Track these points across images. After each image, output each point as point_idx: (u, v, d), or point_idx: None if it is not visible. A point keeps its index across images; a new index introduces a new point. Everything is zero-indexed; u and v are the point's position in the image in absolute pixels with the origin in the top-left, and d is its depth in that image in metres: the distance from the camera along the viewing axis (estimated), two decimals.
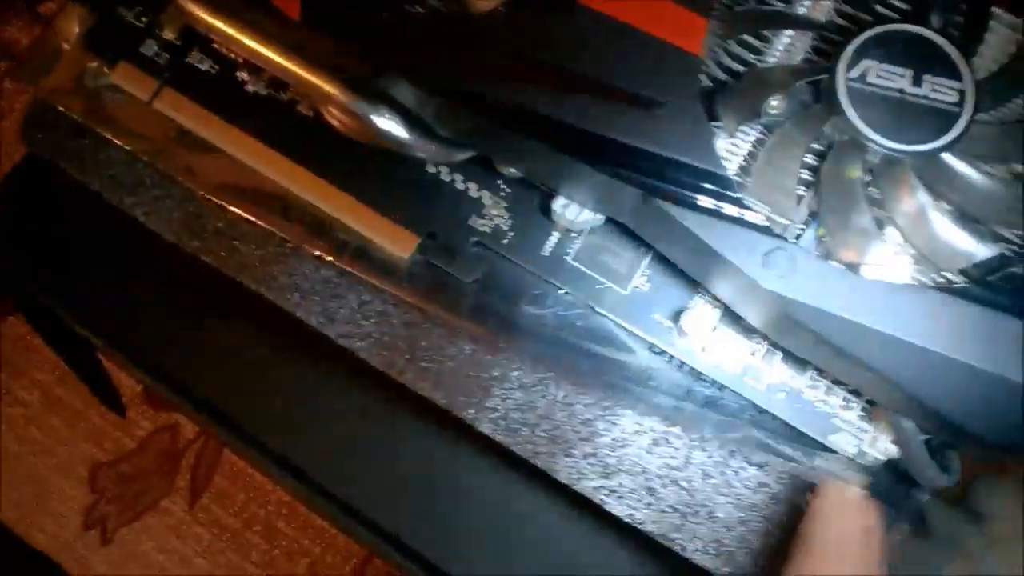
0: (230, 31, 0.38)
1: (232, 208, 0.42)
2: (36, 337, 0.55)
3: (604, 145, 0.34)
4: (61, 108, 0.44)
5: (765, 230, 0.34)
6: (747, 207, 0.34)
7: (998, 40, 0.39)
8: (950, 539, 0.46)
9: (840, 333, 0.33)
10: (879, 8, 0.38)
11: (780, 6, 0.38)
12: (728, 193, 0.34)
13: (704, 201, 0.34)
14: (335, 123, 0.40)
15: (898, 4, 0.38)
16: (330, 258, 0.41)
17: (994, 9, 0.39)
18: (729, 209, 0.34)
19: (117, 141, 0.43)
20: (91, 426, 1.01)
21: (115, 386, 0.70)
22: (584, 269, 0.40)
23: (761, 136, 0.37)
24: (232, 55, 0.43)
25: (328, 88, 0.38)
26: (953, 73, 0.35)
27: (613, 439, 0.41)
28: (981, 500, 0.48)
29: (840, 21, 0.38)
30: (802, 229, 0.36)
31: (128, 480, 1.00)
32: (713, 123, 0.36)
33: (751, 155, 0.37)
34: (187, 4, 0.38)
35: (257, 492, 0.96)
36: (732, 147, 0.37)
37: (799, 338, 0.35)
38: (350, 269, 0.41)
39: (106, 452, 1.01)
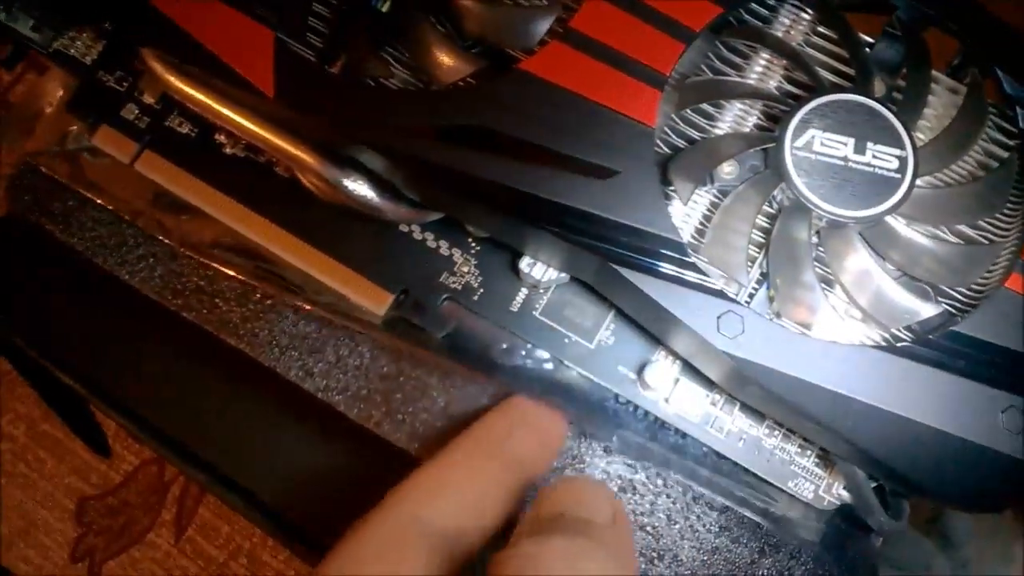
0: (204, 100, 0.40)
1: (212, 266, 0.44)
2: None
3: (564, 213, 0.36)
4: (44, 169, 0.45)
5: (718, 293, 0.36)
6: (701, 271, 0.36)
7: (940, 103, 0.41)
8: (921, 564, 0.48)
9: (790, 390, 0.35)
10: (826, 76, 0.40)
11: (731, 77, 0.40)
12: (683, 258, 0.36)
13: (660, 266, 0.36)
14: (309, 186, 0.42)
15: (844, 70, 0.40)
16: (308, 309, 0.43)
17: (935, 73, 0.41)
18: (684, 274, 0.36)
19: (99, 202, 0.45)
20: (77, 460, 1.02)
21: (100, 427, 0.71)
22: (552, 324, 0.42)
23: (715, 200, 0.39)
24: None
25: (300, 155, 0.40)
26: (894, 140, 0.37)
27: None
28: (950, 526, 0.50)
29: (789, 88, 0.40)
30: (755, 289, 0.38)
31: (115, 513, 1.01)
32: (668, 188, 0.38)
33: (706, 218, 0.39)
34: (164, 76, 0.40)
35: (242, 524, 0.98)
36: (687, 211, 0.39)
37: (752, 394, 0.37)
38: (327, 324, 0.43)
39: (93, 486, 1.02)
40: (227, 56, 0.38)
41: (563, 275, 0.41)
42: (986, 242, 0.39)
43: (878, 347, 0.36)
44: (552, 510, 0.33)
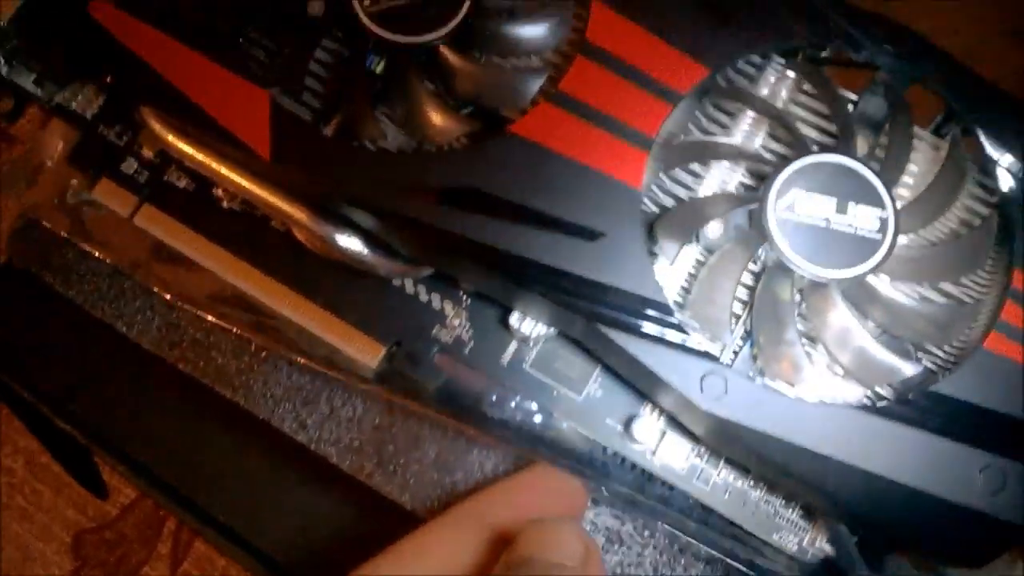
0: (201, 160, 0.41)
1: (208, 318, 0.44)
2: None
3: (552, 274, 0.37)
4: (45, 222, 0.46)
5: (702, 354, 0.37)
6: (685, 331, 0.37)
7: (923, 159, 0.42)
8: None
9: (772, 449, 0.36)
10: (810, 135, 0.41)
11: (717, 138, 0.41)
12: (668, 319, 0.37)
13: (646, 326, 0.37)
14: (303, 240, 0.42)
15: (828, 128, 0.41)
16: (302, 362, 0.44)
17: (918, 130, 0.42)
18: (669, 334, 0.37)
19: (98, 255, 0.45)
20: (75, 493, 1.03)
21: (97, 468, 0.72)
22: (541, 377, 0.43)
23: (700, 258, 0.40)
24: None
25: (294, 213, 0.40)
26: (876, 200, 0.38)
27: None
28: None
29: (774, 146, 0.41)
30: (739, 346, 0.39)
31: (111, 546, 1.01)
32: (654, 247, 0.39)
33: (691, 276, 0.40)
34: (162, 135, 0.41)
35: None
36: (673, 269, 0.39)
37: (736, 451, 0.38)
38: (321, 375, 0.43)
39: (89, 519, 1.03)
40: (224, 118, 0.39)
41: (551, 329, 0.42)
42: (967, 301, 0.39)
43: (859, 407, 0.37)
44: (521, 555, 0.33)
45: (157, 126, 0.41)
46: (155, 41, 0.40)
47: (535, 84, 0.40)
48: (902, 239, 0.38)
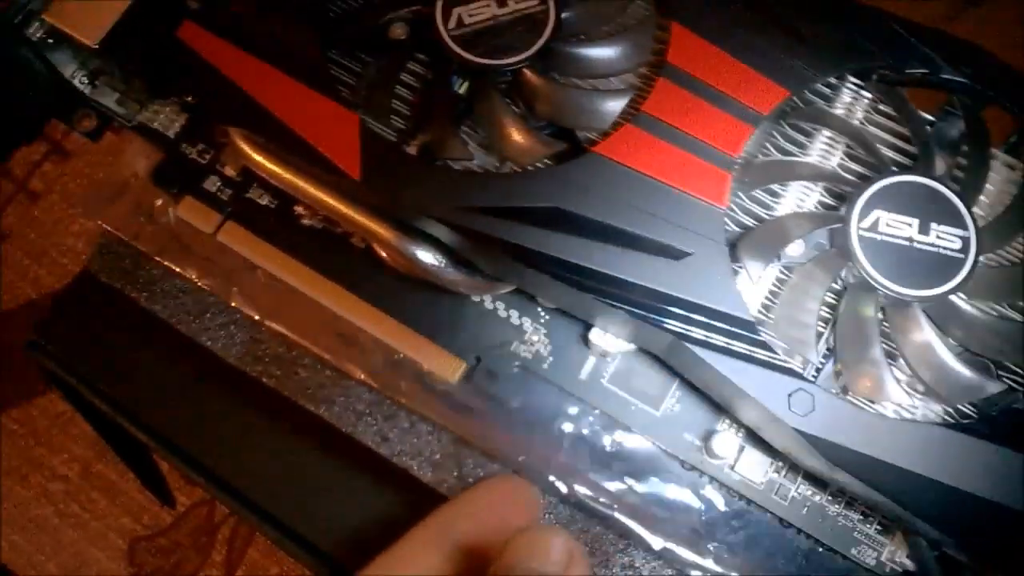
0: (291, 179, 0.42)
1: (291, 335, 0.45)
2: (75, 413, 0.58)
3: (637, 292, 0.38)
4: (129, 239, 0.47)
5: (788, 371, 0.37)
6: (770, 348, 0.37)
7: (998, 179, 0.42)
8: None
9: (858, 465, 0.36)
10: (887, 154, 0.41)
11: (796, 156, 0.41)
12: (753, 336, 0.37)
13: (731, 344, 0.37)
14: (384, 257, 0.43)
15: (904, 147, 0.42)
16: (379, 385, 0.45)
17: (994, 151, 0.42)
18: (755, 352, 0.37)
19: (182, 272, 0.47)
20: (129, 500, 1.04)
21: (164, 478, 0.73)
22: (619, 392, 0.43)
23: (782, 276, 0.40)
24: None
25: (379, 231, 0.41)
26: (957, 221, 0.38)
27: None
28: None
29: (850, 164, 0.42)
30: (821, 363, 0.40)
31: (166, 553, 1.03)
32: (737, 265, 0.39)
33: (773, 294, 0.40)
34: (252, 156, 0.42)
35: (291, 565, 0.99)
36: (755, 287, 0.40)
37: (819, 465, 0.38)
38: (402, 394, 0.44)
39: (144, 526, 1.04)
40: (314, 139, 0.40)
41: (631, 345, 0.42)
42: None
43: (943, 424, 0.37)
44: (505, 565, 0.34)
45: (246, 147, 0.42)
46: (245, 63, 0.41)
47: (616, 106, 0.41)
48: (983, 257, 0.38)
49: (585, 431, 0.44)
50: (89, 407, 0.53)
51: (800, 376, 0.37)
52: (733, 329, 0.37)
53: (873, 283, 0.38)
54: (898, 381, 0.38)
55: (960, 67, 0.42)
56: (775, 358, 0.37)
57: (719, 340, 0.37)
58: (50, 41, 0.46)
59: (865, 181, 0.39)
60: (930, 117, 0.43)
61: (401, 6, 0.43)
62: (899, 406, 0.38)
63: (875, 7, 0.42)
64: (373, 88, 0.42)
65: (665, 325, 0.38)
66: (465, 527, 0.40)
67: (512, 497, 0.43)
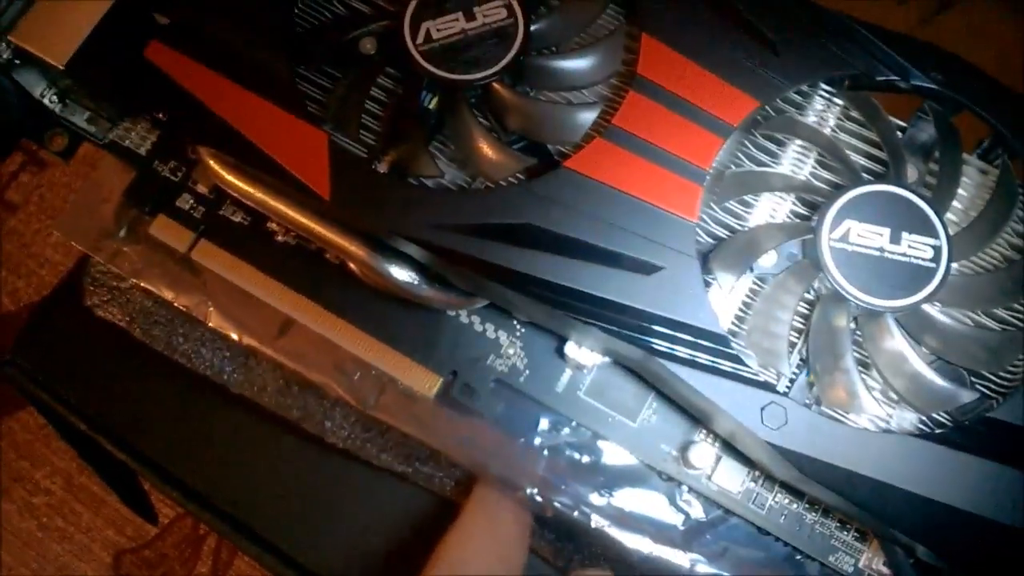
0: (262, 198, 0.42)
1: (266, 352, 0.45)
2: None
3: (609, 307, 0.38)
4: (104, 261, 0.47)
5: (761, 384, 0.37)
6: (743, 362, 0.37)
7: (971, 183, 0.42)
8: None
9: (831, 477, 0.36)
10: (858, 161, 0.42)
11: (767, 168, 0.41)
12: (726, 350, 0.37)
13: (704, 357, 0.37)
14: (358, 273, 0.43)
15: (876, 154, 0.42)
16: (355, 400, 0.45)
17: (965, 156, 0.42)
18: (727, 365, 0.37)
19: (157, 291, 0.46)
20: (113, 512, 1.04)
21: (147, 495, 0.72)
22: (596, 404, 0.43)
23: (755, 287, 0.40)
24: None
25: (352, 249, 0.41)
26: (928, 229, 0.38)
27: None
28: None
29: (822, 173, 0.42)
30: (795, 374, 0.40)
31: (151, 566, 1.02)
32: (709, 277, 0.39)
33: (746, 305, 0.40)
34: (222, 175, 0.42)
35: None
36: (728, 299, 0.40)
37: (793, 476, 0.38)
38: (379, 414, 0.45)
39: (129, 538, 1.04)
40: (283, 158, 0.39)
41: (607, 357, 0.42)
42: (1019, 326, 0.40)
43: (915, 435, 0.37)
44: None
45: (215, 166, 0.42)
46: (213, 83, 0.41)
47: (587, 118, 0.41)
48: (955, 265, 0.39)
49: (562, 443, 0.44)
50: (67, 426, 0.53)
51: (772, 389, 0.37)
52: (705, 343, 0.37)
53: (844, 294, 0.38)
54: (871, 391, 0.39)
55: (930, 73, 0.42)
56: (747, 371, 0.37)
57: (691, 354, 0.37)
58: (17, 62, 0.45)
59: (837, 191, 0.39)
60: (902, 123, 0.43)
61: (370, 21, 0.43)
62: (873, 416, 0.38)
63: (844, 14, 0.42)
64: (342, 104, 0.42)
65: (638, 340, 0.38)
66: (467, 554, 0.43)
67: (501, 512, 0.45)
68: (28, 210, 1.12)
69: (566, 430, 0.44)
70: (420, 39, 0.41)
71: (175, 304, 0.46)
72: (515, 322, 0.44)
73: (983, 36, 0.55)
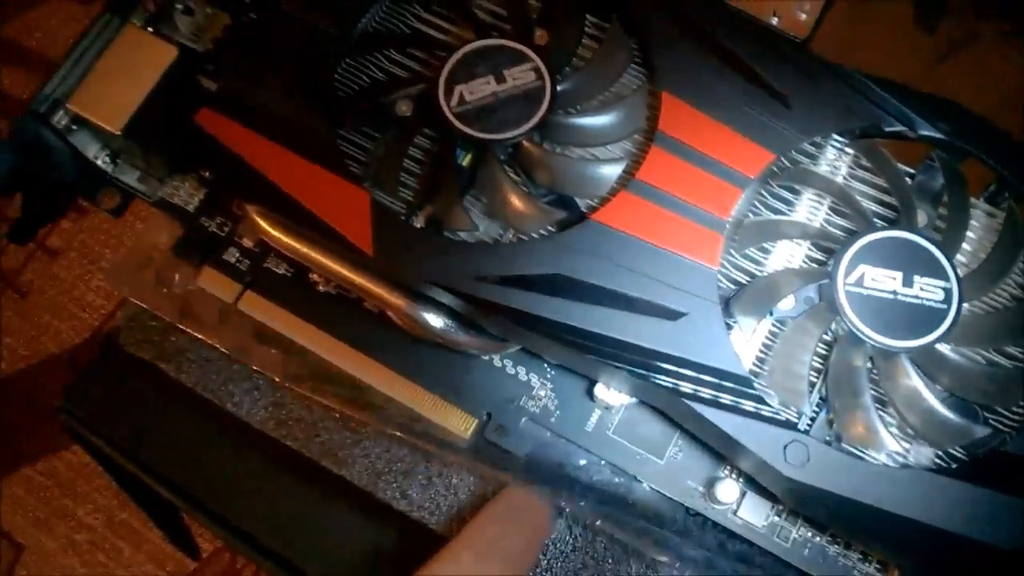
0: (306, 253, 0.44)
1: (312, 397, 0.48)
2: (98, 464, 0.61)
3: (636, 352, 0.40)
4: (154, 310, 0.50)
5: (783, 423, 0.39)
6: (764, 401, 0.39)
7: (979, 226, 0.44)
8: None
9: (852, 512, 0.38)
10: (870, 208, 0.44)
11: (783, 216, 0.44)
12: (748, 391, 0.39)
13: (727, 398, 0.39)
14: (397, 321, 0.45)
15: (887, 200, 0.44)
16: (400, 436, 0.47)
17: (973, 200, 0.44)
18: (750, 405, 0.39)
19: (205, 339, 0.49)
20: (153, 547, 1.06)
21: (190, 531, 0.75)
22: (624, 442, 0.45)
23: (775, 328, 0.42)
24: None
25: (390, 299, 0.44)
26: (939, 272, 0.40)
27: None
28: None
29: (836, 219, 0.44)
30: (815, 412, 0.42)
31: None
32: (731, 320, 0.41)
33: (767, 347, 0.42)
34: (269, 231, 0.44)
35: None
36: (749, 342, 0.42)
37: (816, 511, 0.40)
38: (419, 447, 0.47)
39: (169, 573, 1.06)
40: (327, 216, 0.42)
41: (634, 397, 0.44)
42: None
43: (932, 470, 0.39)
44: None
45: (263, 223, 0.44)
46: (260, 145, 0.43)
47: (612, 173, 0.43)
48: (966, 305, 0.41)
49: (593, 479, 0.46)
50: (117, 468, 0.55)
51: (794, 427, 0.39)
52: (729, 384, 0.39)
53: (860, 336, 0.40)
54: (889, 427, 0.40)
55: (937, 123, 0.44)
56: (769, 411, 0.39)
57: (715, 395, 0.39)
58: (74, 127, 0.48)
59: (850, 236, 0.41)
60: (911, 170, 0.45)
61: (406, 85, 0.46)
62: (891, 452, 0.40)
63: (855, 70, 0.45)
64: (382, 163, 0.45)
65: (664, 382, 0.40)
66: (508, 542, 0.45)
67: (522, 511, 0.47)
68: (69, 256, 1.15)
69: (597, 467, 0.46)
70: (454, 101, 0.44)
71: (222, 351, 0.49)
72: (546, 365, 0.46)
73: (982, 82, 0.57)
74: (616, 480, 0.46)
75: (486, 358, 0.47)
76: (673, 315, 0.40)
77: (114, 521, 1.08)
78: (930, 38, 0.60)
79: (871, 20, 0.59)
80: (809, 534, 0.44)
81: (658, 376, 0.40)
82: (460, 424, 0.46)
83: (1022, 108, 0.55)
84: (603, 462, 0.46)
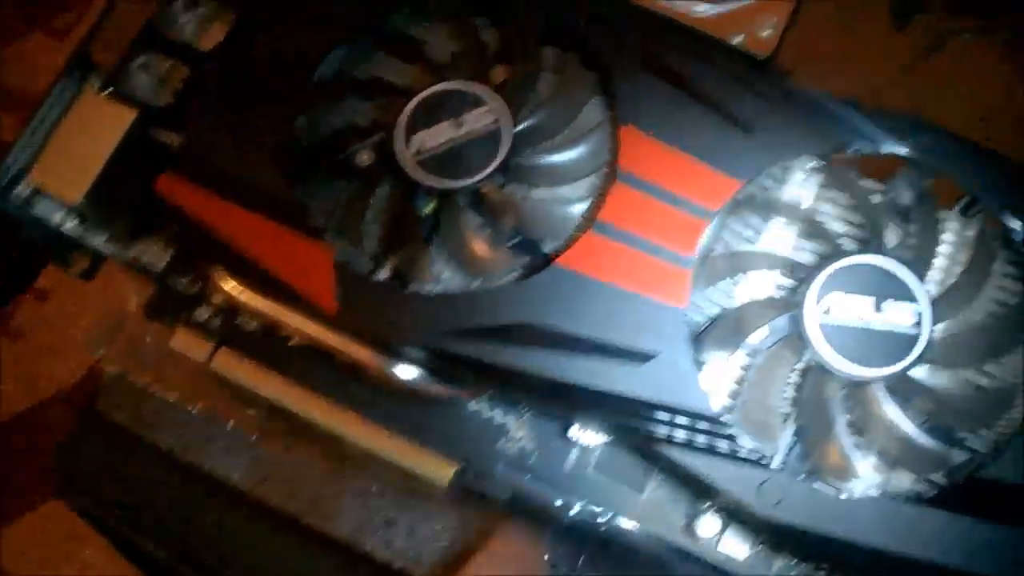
0: (271, 315, 0.44)
1: (291, 452, 0.47)
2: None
3: (607, 398, 0.39)
4: (128, 375, 0.50)
5: (756, 462, 0.39)
6: (738, 442, 0.39)
7: (951, 239, 0.44)
8: None
9: (830, 546, 0.38)
10: (838, 230, 0.43)
11: (750, 247, 0.43)
12: (721, 431, 0.39)
13: (700, 440, 0.39)
14: (368, 373, 0.45)
15: (856, 220, 0.43)
16: (380, 486, 0.47)
17: (944, 212, 0.44)
18: (723, 446, 0.39)
19: (180, 401, 0.49)
20: None
21: None
22: (603, 479, 0.45)
23: (747, 362, 0.42)
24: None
25: (357, 355, 0.44)
26: (910, 295, 0.40)
27: None
28: None
29: (804, 244, 0.43)
30: (790, 445, 0.41)
31: None
32: (702, 356, 0.41)
33: (739, 380, 0.42)
34: (234, 295, 0.44)
35: None
36: (721, 376, 0.42)
37: (794, 547, 0.40)
38: (400, 497, 0.46)
39: None
40: (289, 276, 0.42)
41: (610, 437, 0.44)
42: (1009, 382, 0.41)
43: (909, 500, 0.39)
44: None
45: (227, 286, 0.44)
46: (219, 208, 0.43)
47: (576, 212, 0.43)
48: (940, 325, 0.40)
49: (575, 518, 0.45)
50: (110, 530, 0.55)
51: (768, 466, 0.39)
52: (701, 425, 0.39)
53: (830, 367, 0.39)
54: (866, 456, 0.40)
55: (903, 140, 0.43)
56: (743, 450, 0.39)
57: (688, 437, 0.39)
58: (38, 196, 0.48)
59: (821, 261, 0.41)
60: (880, 187, 0.44)
61: (365, 135, 0.45)
62: (867, 484, 0.40)
63: (817, 91, 0.44)
64: (344, 214, 0.44)
65: (636, 426, 0.39)
66: None
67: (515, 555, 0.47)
68: (59, 296, 1.15)
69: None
70: (413, 149, 0.43)
71: (197, 412, 0.49)
72: (521, 406, 0.46)
73: (952, 91, 0.57)
74: (598, 518, 0.45)
75: (461, 403, 0.46)
76: (642, 358, 0.40)
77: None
78: (900, 45, 0.59)
79: (837, 32, 0.58)
80: (791, 566, 0.43)
81: (630, 420, 0.40)
82: (439, 471, 0.46)
83: (994, 112, 0.55)
84: (584, 500, 0.45)
